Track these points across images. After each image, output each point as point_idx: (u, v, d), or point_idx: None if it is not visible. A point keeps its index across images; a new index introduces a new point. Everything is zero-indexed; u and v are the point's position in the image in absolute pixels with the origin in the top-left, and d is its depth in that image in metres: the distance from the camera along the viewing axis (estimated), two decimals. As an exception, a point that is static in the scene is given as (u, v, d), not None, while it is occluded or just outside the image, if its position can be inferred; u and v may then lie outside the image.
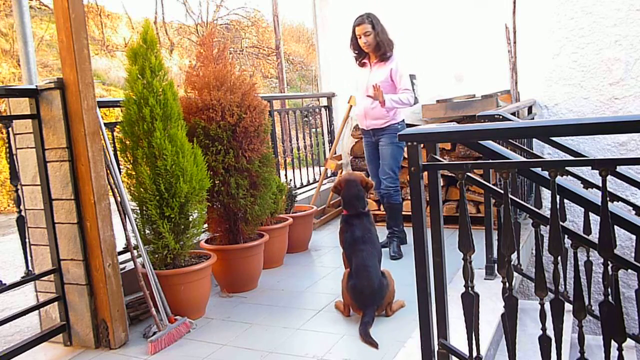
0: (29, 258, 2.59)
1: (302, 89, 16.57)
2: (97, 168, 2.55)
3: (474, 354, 1.87)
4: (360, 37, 3.70)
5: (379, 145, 3.83)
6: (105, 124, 2.81)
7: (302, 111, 6.58)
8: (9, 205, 9.08)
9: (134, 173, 2.88)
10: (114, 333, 2.60)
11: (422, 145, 1.89)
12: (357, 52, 3.83)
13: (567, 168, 2.85)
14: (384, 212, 4.06)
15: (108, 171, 2.68)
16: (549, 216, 1.68)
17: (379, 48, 3.71)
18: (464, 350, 1.90)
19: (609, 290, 1.70)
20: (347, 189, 3.00)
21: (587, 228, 2.72)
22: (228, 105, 3.16)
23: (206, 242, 3.35)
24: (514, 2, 4.45)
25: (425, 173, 1.89)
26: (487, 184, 2.01)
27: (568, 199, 1.94)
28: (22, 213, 2.56)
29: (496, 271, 3.08)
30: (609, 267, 1.71)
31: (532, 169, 1.95)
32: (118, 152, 2.99)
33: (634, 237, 2.63)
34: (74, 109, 2.51)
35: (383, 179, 3.80)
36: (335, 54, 5.98)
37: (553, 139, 3.25)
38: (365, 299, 2.63)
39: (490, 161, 2.07)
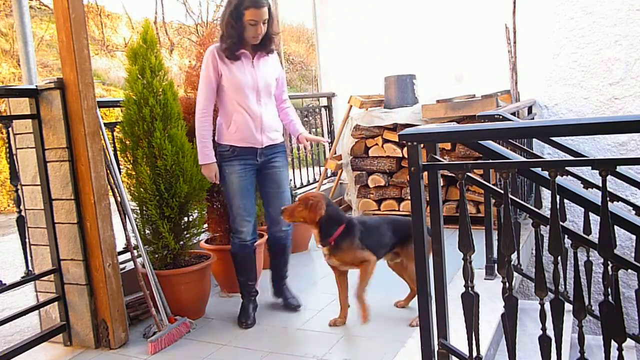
0: (29, 258, 2.59)
1: (302, 89, 16.57)
2: (97, 168, 2.55)
3: (474, 354, 1.87)
4: (253, 25, 2.66)
5: (270, 168, 2.88)
6: (105, 124, 2.81)
7: (302, 111, 6.58)
8: (9, 205, 9.08)
9: (134, 173, 2.88)
10: (114, 333, 2.60)
11: (422, 145, 1.89)
12: (235, 41, 2.69)
13: (567, 168, 2.86)
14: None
15: (108, 171, 2.68)
16: (549, 216, 1.67)
17: (269, 42, 2.81)
18: (464, 350, 1.90)
19: (609, 290, 1.69)
20: (329, 209, 2.65)
21: (587, 228, 2.72)
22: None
23: (206, 242, 3.35)
24: (514, 2, 4.45)
25: (425, 173, 1.89)
26: (487, 184, 2.01)
27: (568, 199, 1.93)
28: (22, 213, 2.56)
29: (496, 271, 3.08)
30: (609, 267, 1.71)
31: (532, 169, 1.95)
32: (118, 152, 2.99)
33: (634, 237, 2.63)
34: (74, 109, 2.51)
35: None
36: (335, 54, 5.99)
37: (553, 139, 3.25)
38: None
39: (490, 161, 2.07)
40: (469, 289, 1.85)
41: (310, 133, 5.79)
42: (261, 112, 2.78)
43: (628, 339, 2.79)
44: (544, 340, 1.74)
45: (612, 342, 1.63)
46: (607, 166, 1.54)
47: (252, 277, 2.94)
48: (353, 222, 2.64)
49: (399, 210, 4.67)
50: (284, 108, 3.03)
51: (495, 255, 3.11)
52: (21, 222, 2.53)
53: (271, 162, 2.89)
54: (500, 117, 3.01)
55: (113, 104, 3.45)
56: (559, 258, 1.69)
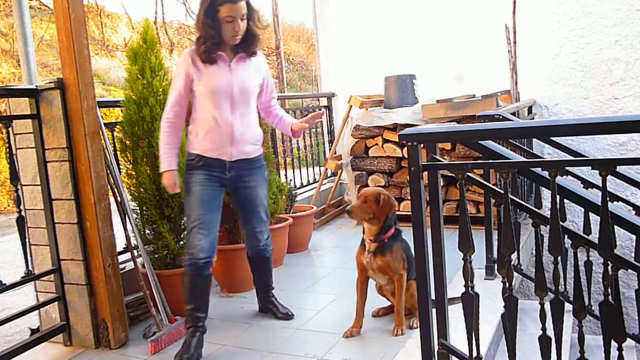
0: (29, 258, 2.59)
1: (302, 89, 16.57)
2: (97, 168, 2.55)
3: (474, 354, 1.87)
4: (230, 22, 2.39)
5: (242, 187, 2.63)
6: (105, 124, 2.81)
7: (302, 111, 6.58)
8: (9, 205, 9.09)
9: (134, 173, 2.88)
10: (114, 333, 2.59)
11: (422, 145, 1.89)
12: (215, 41, 2.43)
13: (567, 168, 2.85)
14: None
15: (108, 171, 2.68)
16: (549, 216, 1.68)
17: (252, 41, 2.52)
18: (464, 350, 1.90)
19: (609, 290, 1.70)
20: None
21: (587, 228, 2.72)
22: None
23: (206, 242, 3.35)
24: (514, 2, 4.45)
25: (425, 173, 1.89)
26: (487, 184, 2.01)
27: (568, 199, 1.94)
28: (22, 213, 2.56)
29: (496, 271, 3.08)
30: (609, 267, 1.71)
31: (532, 169, 1.95)
32: (118, 152, 2.99)
33: (634, 237, 2.63)
34: (74, 109, 2.51)
35: (261, 230, 2.76)
36: (335, 54, 5.99)
37: (553, 139, 3.25)
38: None
39: (490, 161, 2.07)
40: (469, 289, 1.85)
41: (310, 133, 5.86)
42: (233, 121, 2.50)
43: (628, 339, 2.80)
44: (544, 340, 1.74)
45: (612, 342, 1.63)
46: (607, 166, 1.54)
47: (201, 306, 2.52)
48: (400, 229, 2.62)
49: (399, 210, 4.66)
50: (274, 109, 2.80)
51: (495, 255, 3.11)
52: (21, 222, 2.53)
53: (243, 180, 2.61)
54: (500, 117, 3.01)
55: (113, 104, 3.45)
56: (559, 258, 1.69)
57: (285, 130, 2.81)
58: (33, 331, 2.73)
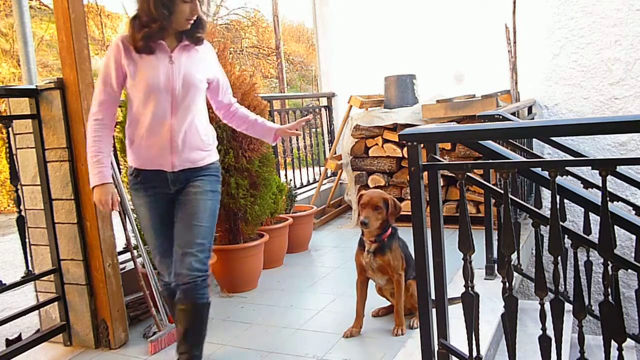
0: (29, 258, 2.59)
1: (302, 89, 16.57)
2: (97, 168, 2.55)
3: (474, 354, 1.87)
4: (189, 1, 2.00)
5: (184, 194, 2.12)
6: (105, 124, 2.80)
7: (302, 111, 6.58)
8: (9, 205, 9.09)
9: (133, 173, 2.86)
10: (114, 333, 2.60)
11: (422, 145, 1.89)
12: (162, 25, 1.99)
13: (567, 168, 2.86)
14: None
15: (108, 171, 2.68)
16: (549, 216, 1.68)
17: (199, 25, 2.09)
18: (464, 350, 1.90)
19: (609, 290, 1.69)
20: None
21: (587, 228, 2.72)
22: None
23: (206, 242, 3.35)
24: (514, 2, 4.45)
25: (425, 173, 1.89)
26: (487, 184, 2.01)
27: (568, 199, 1.94)
28: (22, 213, 2.56)
29: (496, 271, 3.08)
30: (609, 267, 1.71)
31: (532, 169, 1.95)
32: (118, 152, 2.99)
33: (634, 237, 2.63)
34: (74, 109, 2.51)
35: (193, 255, 2.05)
36: (335, 54, 5.99)
37: (553, 139, 3.25)
38: None
39: (490, 161, 2.07)
40: (469, 289, 1.85)
41: (310, 133, 5.86)
42: (173, 124, 2.05)
43: (628, 339, 2.80)
44: (544, 340, 1.74)
45: (612, 342, 1.63)
46: (607, 166, 1.54)
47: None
48: (396, 228, 2.63)
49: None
50: (236, 111, 2.36)
51: (495, 255, 3.11)
52: (21, 222, 2.53)
53: (188, 189, 2.12)
54: (500, 117, 3.01)
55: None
56: (559, 258, 1.69)
57: (262, 135, 2.41)
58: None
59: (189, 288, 2.05)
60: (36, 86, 2.56)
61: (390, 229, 2.56)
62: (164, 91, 2.03)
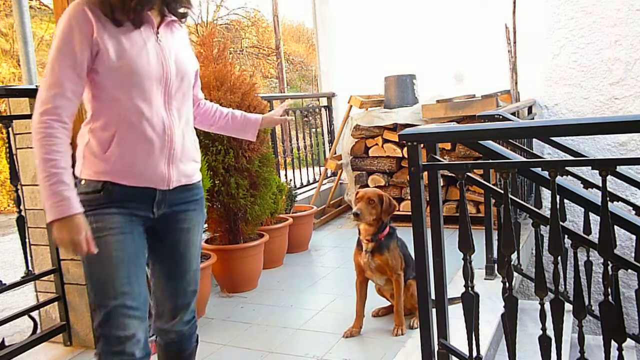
0: (29, 258, 2.59)
1: (302, 89, 16.57)
2: (97, 168, 2.55)
3: (474, 354, 1.87)
4: None
5: (175, 230, 1.65)
6: (105, 124, 2.80)
7: (302, 111, 6.58)
8: (9, 205, 9.08)
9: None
10: (114, 333, 2.59)
11: (422, 145, 1.89)
12: None
13: (567, 168, 2.86)
14: None
15: (108, 171, 2.67)
16: (549, 216, 1.68)
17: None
18: (464, 350, 1.90)
19: (609, 290, 1.70)
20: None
21: (587, 228, 2.72)
22: (228, 105, 3.16)
23: (206, 242, 3.35)
24: (514, 2, 4.45)
25: (425, 173, 1.89)
26: (487, 184, 2.01)
27: (568, 199, 1.94)
28: (22, 213, 2.55)
29: (496, 271, 3.08)
30: (609, 267, 1.71)
31: (532, 169, 1.95)
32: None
33: (634, 237, 2.63)
34: (74, 109, 2.50)
35: (186, 308, 1.69)
36: (335, 54, 5.99)
37: (553, 139, 3.25)
38: None
39: (490, 161, 2.07)
40: (469, 289, 1.85)
41: (310, 133, 5.86)
42: (172, 123, 1.55)
43: (628, 339, 2.80)
44: (544, 340, 1.74)
45: (612, 342, 1.63)
46: (607, 166, 1.54)
47: None
48: (394, 228, 2.63)
49: (399, 210, 4.66)
50: (206, 106, 1.90)
51: (495, 255, 3.11)
52: (21, 222, 2.53)
53: (178, 217, 1.63)
54: (500, 117, 3.01)
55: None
56: (559, 258, 1.69)
57: (244, 129, 1.95)
58: None
59: (183, 336, 1.71)
60: (36, 86, 2.56)
61: (388, 228, 2.57)
62: (155, 80, 1.51)
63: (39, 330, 2.63)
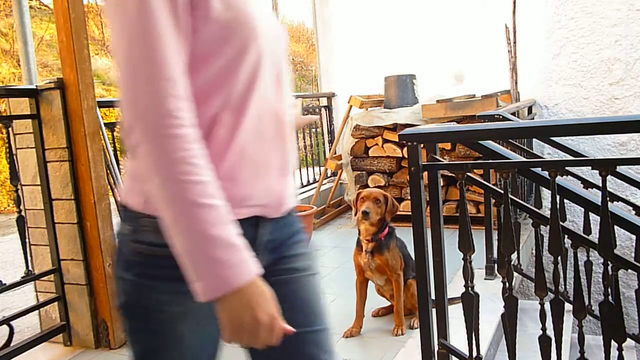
0: (29, 258, 2.59)
1: (302, 89, 16.57)
2: (97, 168, 2.55)
3: (474, 354, 1.87)
4: None
5: (295, 264, 1.11)
6: (105, 124, 2.81)
7: (302, 111, 6.57)
8: (9, 205, 9.08)
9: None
10: (114, 333, 2.59)
11: (422, 145, 1.89)
12: None
13: (567, 168, 2.86)
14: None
15: (108, 171, 2.68)
16: (549, 216, 1.68)
17: None
18: (464, 350, 1.90)
19: (609, 290, 1.70)
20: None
21: (587, 228, 2.72)
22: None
23: (206, 242, 3.34)
24: (514, 2, 4.45)
25: (425, 173, 1.89)
26: (487, 184, 2.01)
27: (568, 199, 1.94)
28: (22, 213, 2.56)
29: (496, 271, 3.08)
30: (609, 267, 1.71)
31: (532, 169, 1.95)
32: (118, 152, 2.99)
33: (634, 237, 2.63)
34: (74, 109, 2.51)
35: None
36: (335, 54, 5.99)
37: (553, 139, 3.25)
38: None
39: (490, 161, 2.07)
40: (469, 289, 1.85)
41: (310, 133, 5.86)
42: (284, 118, 1.02)
43: (628, 339, 2.80)
44: (544, 340, 1.74)
45: (612, 342, 1.63)
46: (607, 166, 1.54)
47: None
48: (393, 228, 2.64)
49: (399, 210, 4.66)
50: None
51: (495, 255, 3.11)
52: (21, 222, 2.53)
53: (294, 257, 1.14)
54: (500, 117, 3.01)
55: (113, 104, 3.44)
56: (559, 258, 1.69)
57: None
58: None
59: None
60: (36, 86, 2.56)
61: (387, 228, 2.57)
62: (269, 51, 0.97)
63: (38, 331, 2.63)
